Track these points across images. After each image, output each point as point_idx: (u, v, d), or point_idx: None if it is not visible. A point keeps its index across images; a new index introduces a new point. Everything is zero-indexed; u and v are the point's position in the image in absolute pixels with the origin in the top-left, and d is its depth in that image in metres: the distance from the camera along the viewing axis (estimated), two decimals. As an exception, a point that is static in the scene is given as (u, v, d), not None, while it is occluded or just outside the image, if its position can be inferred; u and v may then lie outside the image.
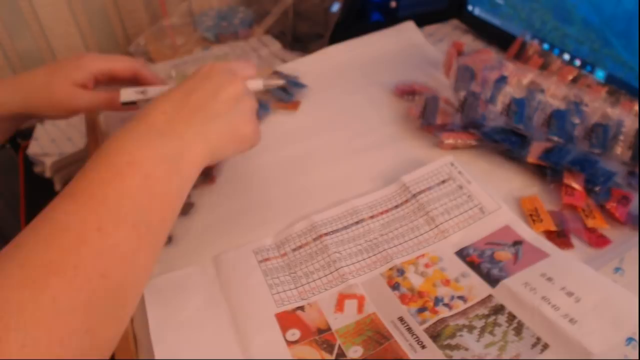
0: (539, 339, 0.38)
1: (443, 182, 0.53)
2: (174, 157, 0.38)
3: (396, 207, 0.52)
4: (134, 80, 0.60)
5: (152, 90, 0.56)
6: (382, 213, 0.51)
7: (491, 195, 0.51)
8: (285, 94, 0.70)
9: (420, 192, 0.52)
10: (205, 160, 0.42)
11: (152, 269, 0.37)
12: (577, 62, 0.69)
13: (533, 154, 0.54)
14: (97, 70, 0.57)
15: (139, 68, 0.59)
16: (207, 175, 0.58)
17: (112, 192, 0.34)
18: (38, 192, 0.71)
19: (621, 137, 0.54)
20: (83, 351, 0.29)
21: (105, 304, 0.31)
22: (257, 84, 0.55)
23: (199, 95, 0.43)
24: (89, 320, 0.30)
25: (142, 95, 0.55)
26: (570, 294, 0.40)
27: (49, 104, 0.55)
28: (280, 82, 0.62)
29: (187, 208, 0.54)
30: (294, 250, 0.48)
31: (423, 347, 0.39)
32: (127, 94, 0.55)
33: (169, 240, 0.50)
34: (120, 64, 0.58)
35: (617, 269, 0.45)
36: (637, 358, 0.37)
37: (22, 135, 0.83)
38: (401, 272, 0.45)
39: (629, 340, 0.38)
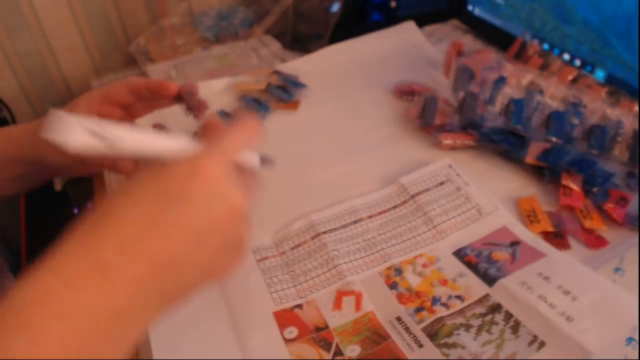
0: (535, 337, 0.39)
1: (441, 183, 0.54)
2: (124, 315, 0.27)
3: (394, 207, 0.52)
4: (148, 98, 0.50)
5: (116, 134, 0.30)
6: (380, 213, 0.51)
7: (489, 197, 0.51)
8: (285, 94, 0.70)
9: (418, 193, 0.52)
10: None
11: None
12: (577, 62, 0.69)
13: (531, 155, 0.54)
14: (93, 101, 0.48)
15: (130, 80, 0.49)
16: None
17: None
18: (38, 192, 0.71)
19: (620, 138, 0.54)
20: None
21: None
22: (253, 160, 0.38)
23: (174, 242, 0.28)
24: None
25: (98, 140, 0.29)
26: (566, 293, 0.40)
27: (48, 144, 0.40)
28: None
29: None
30: (292, 248, 0.49)
31: (420, 346, 0.39)
32: (77, 135, 0.28)
33: None
34: (113, 85, 0.49)
35: (617, 269, 0.45)
36: (637, 358, 0.37)
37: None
38: (399, 271, 0.46)
39: (629, 340, 0.38)
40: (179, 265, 0.28)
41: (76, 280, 0.26)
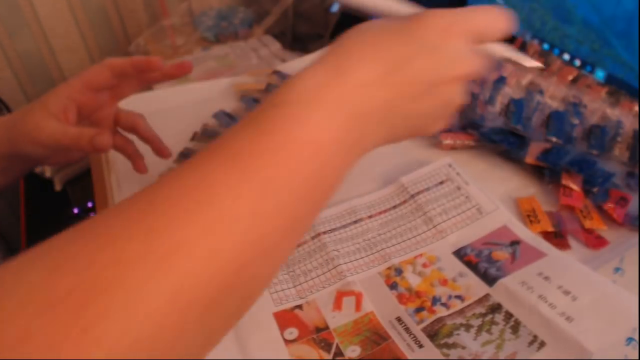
0: (535, 337, 0.39)
1: (441, 183, 0.54)
2: (353, 146, 0.31)
3: (394, 207, 0.52)
4: (134, 75, 0.50)
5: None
6: (380, 213, 0.51)
7: (489, 196, 0.51)
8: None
9: (418, 193, 0.52)
10: (375, 148, 0.34)
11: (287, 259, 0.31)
12: (577, 62, 0.69)
13: (531, 155, 0.54)
14: (73, 90, 0.48)
15: (111, 62, 0.48)
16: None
17: (282, 172, 0.27)
18: (38, 192, 0.71)
19: (620, 138, 0.54)
20: (188, 350, 0.25)
21: (231, 301, 0.26)
22: (509, 53, 0.36)
23: (410, 80, 0.31)
24: (208, 317, 0.25)
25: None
26: (566, 293, 0.40)
27: (22, 137, 0.47)
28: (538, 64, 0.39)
29: None
30: (292, 249, 0.49)
31: (420, 346, 0.39)
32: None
33: None
34: (92, 70, 0.49)
35: (617, 269, 0.45)
36: (637, 358, 0.37)
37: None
38: (399, 271, 0.46)
39: (629, 340, 0.38)
40: (403, 108, 0.32)
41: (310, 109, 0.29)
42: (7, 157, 0.50)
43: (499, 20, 0.33)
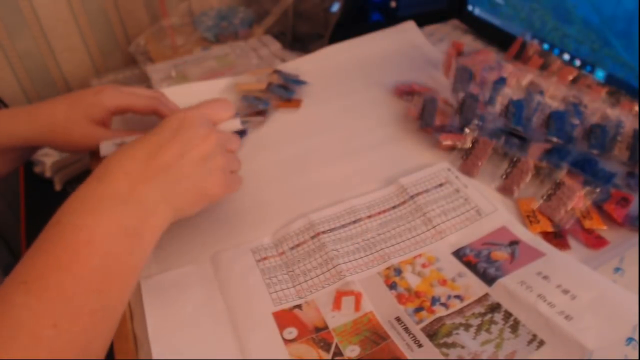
0: (534, 336, 0.39)
1: (440, 185, 0.54)
2: (136, 228, 0.37)
3: (394, 207, 0.52)
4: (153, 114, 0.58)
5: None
6: (379, 213, 0.51)
7: (487, 198, 0.51)
8: (286, 92, 0.70)
9: (417, 194, 0.53)
10: (167, 223, 0.40)
11: (111, 337, 0.36)
12: (577, 62, 0.69)
13: (532, 156, 0.54)
14: (115, 107, 0.54)
15: (157, 105, 0.56)
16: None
17: (69, 279, 0.32)
18: (38, 192, 0.71)
19: (620, 138, 0.54)
20: None
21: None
22: (234, 125, 0.49)
23: (165, 154, 0.40)
24: None
25: None
26: (566, 292, 0.40)
27: (65, 141, 0.53)
28: (240, 128, 0.51)
29: None
30: (291, 248, 0.49)
31: (420, 346, 0.39)
32: (107, 147, 0.52)
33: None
34: (139, 102, 0.56)
35: (617, 269, 0.45)
36: (637, 358, 0.37)
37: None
38: (398, 271, 0.46)
39: (629, 340, 0.38)
40: (174, 173, 0.40)
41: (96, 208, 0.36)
42: (28, 147, 0.54)
43: (221, 107, 0.47)
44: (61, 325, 0.31)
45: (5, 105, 0.85)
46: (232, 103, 0.48)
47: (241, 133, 0.59)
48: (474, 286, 0.44)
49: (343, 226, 0.50)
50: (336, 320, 0.42)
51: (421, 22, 0.87)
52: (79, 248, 0.33)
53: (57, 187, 0.69)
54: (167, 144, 0.40)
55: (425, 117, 0.62)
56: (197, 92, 0.72)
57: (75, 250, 0.33)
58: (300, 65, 0.78)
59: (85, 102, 0.53)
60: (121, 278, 0.36)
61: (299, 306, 0.44)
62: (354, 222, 0.50)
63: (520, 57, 0.71)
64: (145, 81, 0.81)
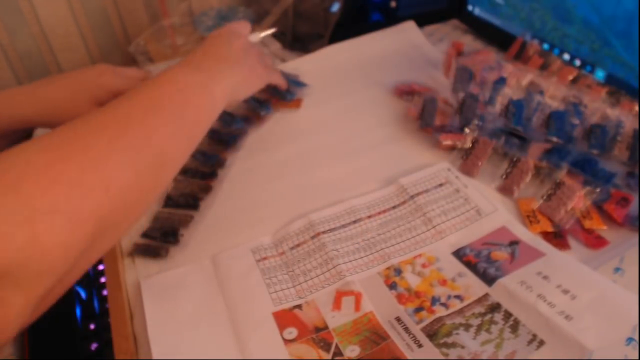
0: (534, 335, 0.39)
1: (440, 185, 0.54)
2: (208, 85, 0.47)
3: (394, 207, 0.52)
4: None
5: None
6: (379, 213, 0.51)
7: (487, 198, 0.51)
8: (286, 93, 0.70)
9: (417, 194, 0.53)
10: (228, 94, 0.49)
11: (186, 157, 0.44)
12: (577, 62, 0.69)
13: (532, 156, 0.54)
14: (117, 90, 0.57)
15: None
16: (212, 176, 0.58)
17: (162, 103, 0.41)
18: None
19: (620, 138, 0.54)
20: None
21: (151, 168, 0.38)
22: (255, 37, 0.64)
23: (217, 48, 0.52)
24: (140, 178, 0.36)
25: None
26: (565, 292, 0.40)
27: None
28: (272, 30, 0.72)
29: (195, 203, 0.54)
30: (291, 248, 0.49)
31: (420, 346, 0.39)
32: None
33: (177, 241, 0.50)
34: (136, 85, 0.59)
35: (617, 269, 0.45)
36: (637, 358, 0.37)
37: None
38: (398, 271, 0.46)
39: (629, 340, 0.38)
40: (227, 60, 0.52)
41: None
42: (27, 127, 0.54)
43: (239, 26, 0.58)
44: (154, 116, 0.39)
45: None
46: (248, 23, 0.61)
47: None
48: (474, 286, 0.44)
49: (343, 226, 0.50)
50: (336, 320, 0.42)
51: (421, 22, 0.87)
52: (172, 94, 0.42)
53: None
54: (216, 43, 0.53)
55: (425, 117, 0.62)
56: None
57: (170, 94, 0.42)
58: (300, 65, 0.78)
59: (90, 83, 0.55)
60: (196, 111, 0.44)
61: (299, 306, 0.44)
62: (354, 222, 0.50)
63: (520, 57, 0.71)
64: (145, 81, 0.81)
